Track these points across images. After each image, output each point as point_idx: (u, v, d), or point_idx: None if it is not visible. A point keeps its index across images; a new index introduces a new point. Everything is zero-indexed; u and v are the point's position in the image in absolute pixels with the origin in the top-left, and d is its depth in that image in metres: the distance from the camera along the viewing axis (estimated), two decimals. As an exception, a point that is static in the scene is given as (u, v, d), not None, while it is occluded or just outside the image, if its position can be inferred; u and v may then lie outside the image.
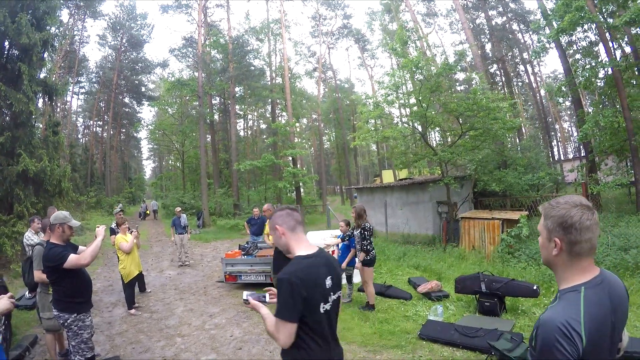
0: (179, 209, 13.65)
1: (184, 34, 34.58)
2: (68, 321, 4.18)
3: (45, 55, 14.16)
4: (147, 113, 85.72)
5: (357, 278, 8.94)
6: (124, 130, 51.42)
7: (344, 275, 7.82)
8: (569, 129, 45.10)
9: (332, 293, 2.22)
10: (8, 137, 12.10)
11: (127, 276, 7.79)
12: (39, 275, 4.62)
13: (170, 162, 58.31)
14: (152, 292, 9.48)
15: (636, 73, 14.84)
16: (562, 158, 36.68)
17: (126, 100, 48.26)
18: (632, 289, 6.86)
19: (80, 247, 4.26)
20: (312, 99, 43.59)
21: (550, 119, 36.43)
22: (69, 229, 4.25)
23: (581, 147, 20.50)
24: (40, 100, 14.76)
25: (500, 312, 6.42)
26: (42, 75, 14.19)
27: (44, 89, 13.63)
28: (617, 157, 15.21)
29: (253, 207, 13.16)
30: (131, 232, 8.40)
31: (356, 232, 7.19)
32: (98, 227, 4.20)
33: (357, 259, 7.34)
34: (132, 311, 7.85)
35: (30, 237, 6.06)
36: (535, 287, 6.25)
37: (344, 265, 7.52)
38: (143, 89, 48.90)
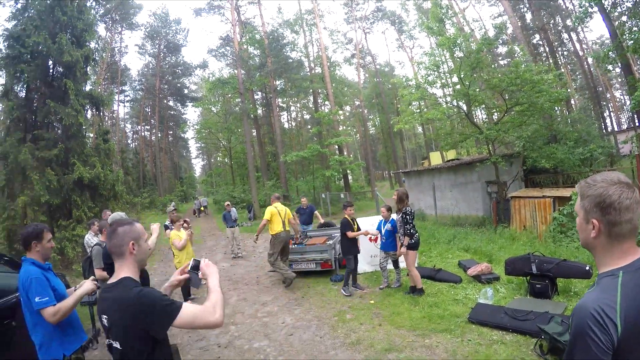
0: (228, 203, 14.06)
1: (220, 34, 35.60)
2: None
3: (88, 69, 15.09)
4: (191, 114, 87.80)
5: (403, 263, 9.01)
6: (171, 132, 53.20)
7: (389, 261, 7.86)
8: (621, 97, 42.31)
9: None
10: (62, 148, 13.01)
11: None
12: (99, 273, 4.90)
13: (218, 158, 59.71)
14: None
15: None
16: (616, 129, 34.46)
17: (170, 103, 50.00)
18: None
19: None
20: (353, 86, 43.33)
21: (600, 88, 34.35)
22: None
23: (635, 116, 19.30)
24: (89, 112, 15.59)
25: (552, 294, 6.23)
26: (87, 88, 15.08)
27: (90, 101, 14.50)
28: None
29: (301, 197, 13.37)
30: (185, 229, 8.77)
31: (397, 217, 7.17)
32: (152, 225, 4.41)
33: (398, 246, 7.34)
34: (188, 302, 8.20)
35: (90, 238, 6.46)
36: (587, 268, 5.99)
37: (398, 252, 7.46)
38: (185, 91, 50.39)
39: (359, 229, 8.08)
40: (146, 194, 36.29)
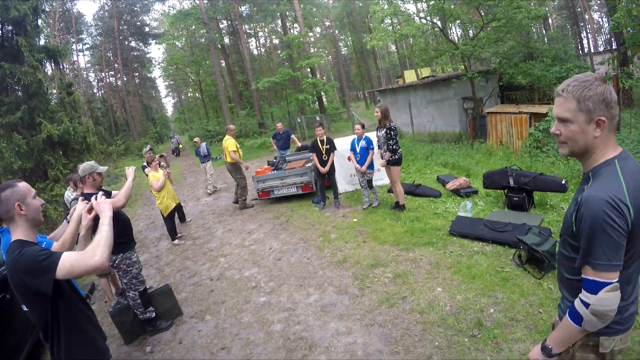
0: (197, 139, 13.79)
1: None
2: (116, 262, 4.57)
3: (39, 22, 14.05)
4: (156, 52, 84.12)
5: (383, 180, 9.15)
6: (137, 74, 51.24)
7: (364, 180, 7.93)
8: (599, 19, 41.84)
9: None
10: (25, 110, 12.44)
11: (166, 209, 8.10)
12: None
13: (189, 94, 58.10)
14: (192, 221, 9.90)
15: None
16: (592, 50, 34.33)
17: (132, 44, 47.78)
18: None
19: (114, 192, 4.45)
20: (322, 6, 41.73)
21: (579, 9, 33.81)
22: (99, 176, 4.46)
23: (612, 39, 19.14)
24: (48, 66, 14.74)
25: (529, 206, 6.43)
26: (42, 42, 14.17)
27: (46, 54, 13.63)
28: None
29: (277, 123, 13.25)
30: (162, 167, 8.65)
31: (381, 133, 7.14)
32: (127, 168, 4.32)
33: (379, 160, 7.35)
34: (176, 242, 8.28)
35: (69, 194, 6.34)
36: (563, 182, 6.13)
37: (364, 168, 7.62)
38: (147, 29, 48.00)
39: (330, 150, 8.24)
40: (120, 141, 35.43)
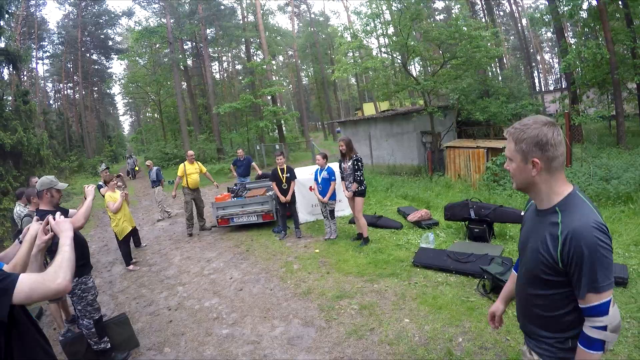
0: (149, 162, 13.46)
1: None
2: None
3: (2, 23, 13.47)
4: (117, 67, 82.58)
5: (344, 211, 9.20)
6: (96, 88, 49.90)
7: (327, 210, 7.91)
8: (550, 60, 44.71)
9: None
10: None
11: (121, 233, 7.75)
12: None
13: (147, 114, 57.05)
14: (148, 246, 9.53)
15: (620, 6, 14.64)
16: (544, 89, 36.53)
17: (94, 57, 46.36)
18: (613, 217, 7.06)
19: (71, 211, 4.21)
20: (287, 35, 42.31)
21: (531, 50, 35.96)
22: (57, 193, 4.17)
23: (562, 79, 20.37)
24: (5, 71, 14.12)
25: (490, 237, 6.59)
26: (1, 45, 13.63)
27: (6, 57, 13.15)
28: (599, 90, 15.28)
29: (237, 149, 13.14)
30: (119, 188, 8.34)
31: (347, 164, 7.17)
32: (87, 187, 4.11)
33: (344, 192, 7.37)
34: (131, 267, 7.90)
35: (21, 210, 5.91)
36: (522, 213, 6.32)
37: (325, 198, 7.62)
38: (110, 43, 46.79)
39: (290, 179, 8.20)
40: (74, 157, 34.08)
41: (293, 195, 8.32)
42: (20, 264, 2.41)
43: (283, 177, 8.16)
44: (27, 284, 1.71)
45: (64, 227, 2.11)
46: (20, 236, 4.61)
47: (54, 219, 2.18)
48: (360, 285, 5.55)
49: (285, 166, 8.26)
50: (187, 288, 6.45)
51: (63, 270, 1.79)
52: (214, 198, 10.22)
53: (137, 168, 31.22)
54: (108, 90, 52.64)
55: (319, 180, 7.77)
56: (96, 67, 47.08)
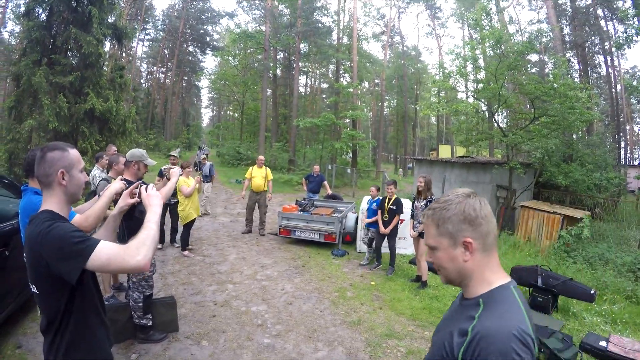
0: (203, 156, 13.82)
1: None
2: None
3: (115, 0, 14.60)
4: (209, 63, 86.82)
5: (407, 250, 9.09)
6: (185, 78, 52.64)
7: (367, 238, 8.26)
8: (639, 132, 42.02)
9: None
10: (77, 76, 12.80)
11: (186, 218, 8.07)
12: None
13: (228, 112, 59.34)
14: (205, 237, 9.86)
15: None
16: (628, 163, 34.29)
17: (190, 49, 49.08)
18: None
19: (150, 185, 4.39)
20: (377, 63, 42.70)
21: (622, 118, 34.01)
22: (144, 167, 4.39)
23: None
24: (108, 44, 15.26)
25: (552, 309, 6.28)
26: (111, 20, 14.71)
27: (113, 32, 14.21)
28: None
29: (314, 164, 13.31)
30: (196, 171, 8.73)
31: (420, 203, 7.15)
32: (172, 168, 4.27)
33: (411, 231, 7.40)
34: (186, 252, 8.19)
35: (98, 173, 6.25)
36: (592, 292, 6.06)
37: (387, 230, 7.67)
38: (208, 39, 49.39)
39: (395, 212, 7.70)
40: (152, 136, 36.15)
41: (395, 229, 7.78)
42: (93, 216, 2.45)
43: (386, 207, 7.77)
44: (106, 253, 1.66)
45: (154, 202, 2.04)
46: (99, 190, 4.85)
47: (146, 189, 2.12)
48: (412, 328, 5.45)
49: (394, 197, 7.79)
50: (237, 287, 6.58)
51: (146, 247, 1.73)
52: (282, 207, 10.38)
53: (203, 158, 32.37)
54: (196, 82, 55.36)
55: (367, 208, 8.32)
56: (190, 58, 49.71)
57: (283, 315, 5.64)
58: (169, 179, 4.14)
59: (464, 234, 1.32)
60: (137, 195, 2.21)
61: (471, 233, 1.32)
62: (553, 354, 4.45)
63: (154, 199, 2.04)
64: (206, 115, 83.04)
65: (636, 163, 35.15)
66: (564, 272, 8.10)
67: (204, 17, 46.15)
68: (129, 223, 4.04)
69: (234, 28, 37.10)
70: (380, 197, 8.15)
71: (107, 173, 5.92)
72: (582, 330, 5.72)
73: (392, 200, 7.75)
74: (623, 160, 34.34)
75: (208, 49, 48.70)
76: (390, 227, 7.64)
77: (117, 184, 2.43)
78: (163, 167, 8.21)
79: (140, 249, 1.71)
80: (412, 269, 8.15)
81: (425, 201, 7.05)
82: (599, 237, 10.60)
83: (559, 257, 9.62)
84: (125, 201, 2.24)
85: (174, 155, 8.52)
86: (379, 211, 7.93)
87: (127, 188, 2.34)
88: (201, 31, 47.77)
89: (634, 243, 10.27)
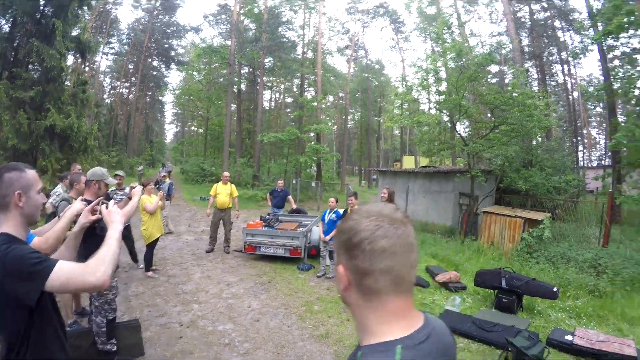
0: (163, 174, 13.61)
1: (220, 1, 34.50)
2: None
3: (80, 12, 14.32)
4: (174, 78, 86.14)
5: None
6: (149, 93, 51.92)
7: (326, 250, 8.22)
8: (597, 136, 44.07)
9: None
10: (38, 91, 12.44)
11: (148, 238, 7.82)
12: None
13: (192, 128, 58.73)
14: (170, 257, 9.62)
15: None
16: (586, 165, 35.86)
17: (154, 63, 48.47)
18: None
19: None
20: (341, 77, 43.19)
21: (579, 123, 35.57)
22: (105, 186, 4.26)
23: (606, 156, 19.94)
24: (71, 58, 14.89)
25: (517, 309, 6.42)
26: (75, 33, 14.37)
27: (77, 46, 13.89)
28: None
29: (277, 179, 13.28)
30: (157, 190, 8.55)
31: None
32: (134, 186, 4.19)
33: None
34: (150, 273, 7.95)
35: (61, 192, 6.01)
36: (555, 289, 6.27)
37: (327, 237, 8.06)
38: (173, 53, 48.92)
39: None
40: (114, 153, 35.30)
41: None
42: (53, 237, 2.40)
43: None
44: (65, 273, 1.62)
45: (115, 218, 2.00)
46: (60, 211, 4.71)
47: (107, 207, 2.10)
48: (379, 341, 5.41)
49: (356, 208, 7.96)
50: (202, 307, 6.42)
51: (106, 264, 1.69)
52: (246, 224, 10.25)
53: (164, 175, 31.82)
54: (160, 98, 54.65)
55: (326, 220, 8.24)
56: (154, 73, 49.07)
57: (250, 332, 5.54)
58: (130, 198, 4.05)
59: (340, 259, 1.04)
60: (98, 212, 2.20)
61: (345, 261, 1.02)
62: (520, 352, 4.54)
63: (114, 216, 2.02)
64: (170, 131, 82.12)
65: (594, 165, 36.64)
66: (528, 273, 8.32)
67: (169, 31, 45.74)
68: (90, 240, 3.92)
69: (199, 42, 37.07)
70: (339, 209, 8.25)
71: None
72: (548, 327, 5.87)
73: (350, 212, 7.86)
74: (581, 163, 35.91)
75: (173, 63, 48.22)
76: None
77: (77, 205, 2.41)
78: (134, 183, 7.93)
79: (99, 266, 1.67)
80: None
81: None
82: (560, 237, 10.98)
83: (522, 258, 9.89)
84: (86, 218, 2.23)
85: (119, 175, 8.25)
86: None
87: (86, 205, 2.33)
88: (166, 45, 47.29)
89: (593, 240, 10.69)
